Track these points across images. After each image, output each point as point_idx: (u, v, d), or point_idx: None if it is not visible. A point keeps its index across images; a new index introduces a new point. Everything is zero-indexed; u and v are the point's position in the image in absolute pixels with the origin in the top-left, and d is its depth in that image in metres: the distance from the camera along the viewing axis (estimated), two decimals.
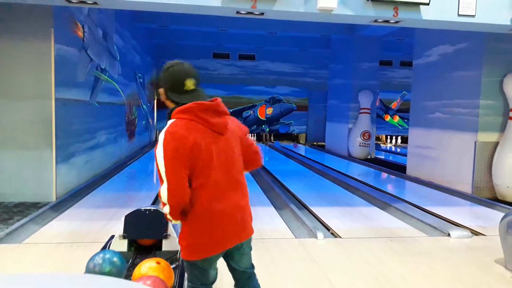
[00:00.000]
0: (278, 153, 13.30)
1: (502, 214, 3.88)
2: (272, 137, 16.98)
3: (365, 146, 11.79)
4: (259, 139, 16.86)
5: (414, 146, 8.71)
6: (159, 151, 1.85)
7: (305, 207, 5.79)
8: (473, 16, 4.94)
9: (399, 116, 16.81)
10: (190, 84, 1.95)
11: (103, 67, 7.93)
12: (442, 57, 7.72)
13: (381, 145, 16.50)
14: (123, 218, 2.59)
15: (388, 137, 17.40)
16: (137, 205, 3.24)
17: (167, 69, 1.99)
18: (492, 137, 6.71)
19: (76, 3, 4.67)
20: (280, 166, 10.15)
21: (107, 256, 2.19)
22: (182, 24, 11.63)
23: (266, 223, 4.83)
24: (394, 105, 16.86)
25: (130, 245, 2.56)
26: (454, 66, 7.33)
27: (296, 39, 14.20)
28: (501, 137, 6.63)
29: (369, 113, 11.93)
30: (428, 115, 8.12)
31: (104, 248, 2.60)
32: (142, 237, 2.61)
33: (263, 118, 16.41)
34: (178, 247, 2.58)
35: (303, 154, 13.16)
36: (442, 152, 7.63)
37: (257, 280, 2.24)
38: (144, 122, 12.99)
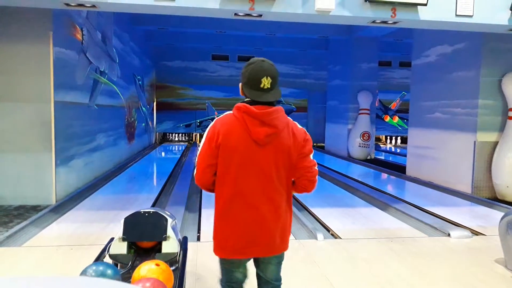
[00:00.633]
0: None
1: (502, 214, 3.89)
2: None
3: (364, 146, 11.79)
4: None
5: (414, 147, 8.72)
6: (204, 135, 2.02)
7: (305, 208, 5.79)
8: (471, 16, 4.95)
9: (399, 117, 16.81)
10: (265, 82, 1.96)
11: (102, 69, 7.94)
12: (441, 57, 7.73)
13: (380, 145, 16.49)
14: (122, 220, 2.59)
15: (388, 137, 17.41)
16: (137, 207, 3.24)
17: (248, 65, 2.04)
18: (491, 137, 6.71)
19: (75, 6, 4.65)
20: None
21: (101, 268, 2.13)
22: (181, 26, 11.62)
23: None
24: (393, 106, 16.87)
25: (129, 247, 2.56)
26: (452, 66, 7.34)
27: (295, 41, 14.21)
28: (500, 136, 6.63)
29: (368, 113, 11.93)
30: (427, 115, 8.12)
31: (103, 250, 2.59)
32: (142, 239, 2.61)
33: None
34: (177, 249, 2.58)
35: None
36: (441, 152, 7.63)
37: None
38: (143, 124, 13.00)
